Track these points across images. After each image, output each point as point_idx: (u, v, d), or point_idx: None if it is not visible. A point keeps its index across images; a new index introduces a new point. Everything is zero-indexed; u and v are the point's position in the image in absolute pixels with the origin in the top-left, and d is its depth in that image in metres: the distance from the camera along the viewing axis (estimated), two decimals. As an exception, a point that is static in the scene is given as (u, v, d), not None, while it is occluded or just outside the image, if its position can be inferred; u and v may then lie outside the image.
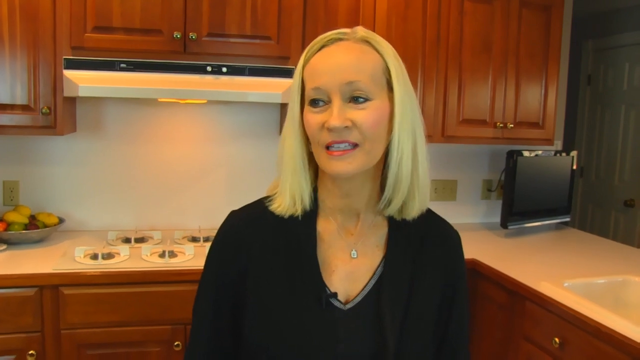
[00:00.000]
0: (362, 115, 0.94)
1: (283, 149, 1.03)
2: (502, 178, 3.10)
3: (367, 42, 0.98)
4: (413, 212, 1.04)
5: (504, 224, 2.95)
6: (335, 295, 1.00)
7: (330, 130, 0.93)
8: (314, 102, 0.96)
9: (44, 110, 2.27)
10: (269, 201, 1.06)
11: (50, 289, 2.09)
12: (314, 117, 0.96)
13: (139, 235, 2.60)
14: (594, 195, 4.44)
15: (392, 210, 1.03)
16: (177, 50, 2.37)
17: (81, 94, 2.19)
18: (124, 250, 2.33)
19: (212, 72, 2.37)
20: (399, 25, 2.67)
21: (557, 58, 2.97)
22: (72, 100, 2.54)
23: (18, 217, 2.43)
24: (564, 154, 3.19)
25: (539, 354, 2.08)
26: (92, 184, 2.73)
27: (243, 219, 1.08)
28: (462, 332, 1.11)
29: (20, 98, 2.26)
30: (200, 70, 2.35)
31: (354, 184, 1.01)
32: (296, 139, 1.01)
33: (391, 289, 1.01)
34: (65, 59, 2.23)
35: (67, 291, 2.10)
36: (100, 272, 2.14)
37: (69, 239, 2.56)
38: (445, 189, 3.25)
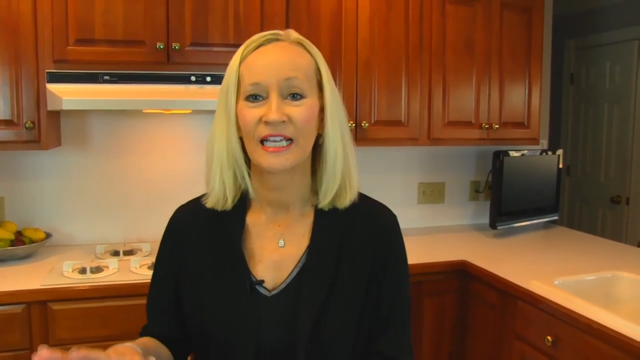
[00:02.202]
0: (298, 111, 1.01)
1: (213, 145, 1.07)
2: (490, 179, 3.11)
3: (300, 44, 1.06)
4: (345, 201, 1.10)
5: (492, 225, 2.95)
6: (260, 282, 1.06)
7: (267, 123, 0.99)
8: (253, 97, 1.01)
9: (27, 125, 2.25)
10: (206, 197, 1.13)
11: (38, 305, 2.07)
12: (250, 112, 1.01)
13: (127, 248, 2.58)
14: (581, 192, 4.47)
15: (326, 202, 1.08)
16: (160, 61, 2.36)
17: (65, 107, 2.17)
18: (112, 263, 2.30)
19: (197, 82, 2.36)
20: (382, 30, 2.68)
21: (539, 58, 3.00)
22: (56, 114, 2.52)
23: (4, 234, 2.39)
24: (549, 153, 3.21)
25: (532, 353, 2.09)
26: (78, 197, 2.71)
27: (183, 211, 1.19)
28: (396, 315, 1.11)
29: (2, 113, 2.24)
30: (184, 80, 2.35)
31: (284, 178, 1.07)
32: (231, 135, 1.05)
33: (312, 276, 1.05)
34: (47, 72, 2.22)
35: (55, 307, 2.08)
36: (89, 286, 2.12)
37: (57, 253, 2.53)
38: (433, 192, 3.26)
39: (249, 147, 1.04)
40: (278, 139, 0.99)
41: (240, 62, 1.04)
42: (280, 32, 1.06)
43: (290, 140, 1.00)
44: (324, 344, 1.02)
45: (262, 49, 1.04)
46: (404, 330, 1.12)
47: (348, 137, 1.09)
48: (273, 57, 1.02)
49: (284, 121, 0.99)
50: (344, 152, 1.07)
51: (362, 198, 1.14)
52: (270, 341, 1.03)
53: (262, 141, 1.00)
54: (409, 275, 1.16)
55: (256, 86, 1.00)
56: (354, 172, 1.10)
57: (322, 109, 1.06)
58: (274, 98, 0.99)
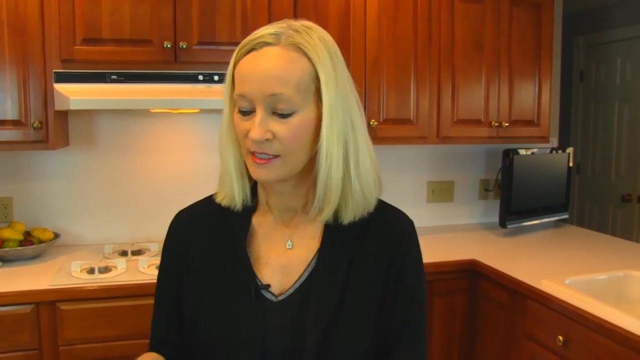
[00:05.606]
0: (284, 129, 0.93)
1: (220, 148, 1.04)
2: (499, 177, 3.09)
3: (297, 47, 0.94)
4: (346, 219, 1.01)
5: (502, 224, 2.93)
6: (266, 287, 1.00)
7: (252, 140, 0.94)
8: (243, 107, 0.95)
9: (35, 125, 2.25)
10: (216, 195, 1.09)
11: (47, 305, 2.07)
12: (240, 124, 0.96)
13: (135, 248, 2.58)
14: (591, 191, 4.44)
15: (325, 217, 1.00)
16: (168, 60, 2.36)
17: (72, 107, 2.17)
18: (120, 263, 2.30)
19: (204, 81, 2.35)
20: (390, 28, 2.66)
21: (549, 55, 2.97)
22: (63, 114, 2.53)
23: (12, 234, 2.40)
24: (559, 151, 3.19)
25: (543, 352, 2.07)
26: (86, 197, 2.71)
27: (185, 215, 1.14)
28: (411, 326, 1.03)
29: (10, 113, 2.24)
30: (191, 79, 2.34)
31: (287, 185, 1.02)
32: (229, 140, 1.01)
33: (322, 281, 1.00)
34: (55, 72, 2.22)
35: (64, 307, 2.08)
36: (97, 286, 2.12)
37: (65, 254, 2.53)
38: (442, 190, 3.24)
39: (243, 155, 0.99)
40: (264, 155, 0.94)
41: (235, 65, 0.97)
42: (280, 30, 0.95)
43: (276, 155, 0.94)
44: (334, 355, 0.95)
45: (252, 55, 0.94)
46: (419, 345, 1.04)
47: (354, 147, 0.98)
48: (260, 68, 0.92)
49: (268, 139, 0.93)
50: (344, 166, 0.97)
51: (379, 202, 1.07)
52: (275, 350, 0.97)
53: (253, 152, 0.95)
54: (425, 284, 1.08)
55: (242, 98, 0.94)
56: (360, 188, 1.00)
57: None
58: (258, 113, 0.93)
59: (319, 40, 0.96)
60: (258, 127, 0.92)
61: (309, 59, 0.94)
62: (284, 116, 0.93)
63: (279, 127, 0.93)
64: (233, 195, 1.04)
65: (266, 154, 0.94)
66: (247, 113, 0.95)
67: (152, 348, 1.13)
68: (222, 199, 1.06)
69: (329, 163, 0.96)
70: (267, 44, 0.94)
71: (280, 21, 0.98)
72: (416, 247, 1.08)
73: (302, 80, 0.93)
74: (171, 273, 1.10)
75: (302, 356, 0.95)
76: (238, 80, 0.95)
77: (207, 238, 1.07)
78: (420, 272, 1.08)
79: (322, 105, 0.95)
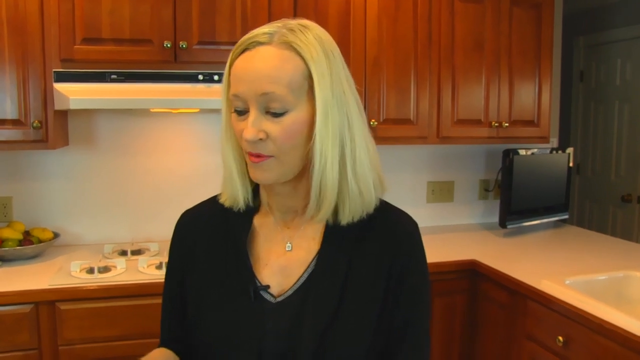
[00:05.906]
0: (277, 129, 0.93)
1: (221, 149, 1.04)
2: (499, 177, 3.09)
3: (290, 46, 0.93)
4: (344, 219, 1.00)
5: (502, 224, 2.93)
6: (265, 288, 1.01)
7: (245, 140, 0.94)
8: (238, 107, 0.95)
9: (35, 125, 2.25)
10: (220, 196, 1.10)
11: (46, 305, 2.07)
12: (237, 124, 0.97)
13: (135, 248, 2.58)
14: (591, 191, 4.43)
15: (322, 217, 0.99)
16: (167, 60, 2.35)
17: (72, 106, 2.16)
18: (120, 263, 2.30)
19: (204, 81, 2.35)
20: (390, 27, 2.66)
21: (549, 55, 2.97)
22: (63, 114, 2.52)
23: (12, 233, 2.40)
24: (559, 152, 3.18)
25: (543, 353, 2.07)
26: (86, 197, 2.71)
27: (190, 215, 1.15)
28: (413, 329, 1.02)
29: (10, 113, 2.24)
30: (191, 79, 2.34)
31: (286, 186, 1.02)
32: (228, 141, 1.02)
33: (322, 283, 0.99)
34: (55, 71, 2.22)
35: (63, 307, 2.08)
36: (97, 286, 2.11)
37: (65, 253, 2.53)
38: (442, 190, 3.24)
39: (244, 155, 1.00)
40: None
41: (230, 66, 0.97)
42: (275, 29, 0.94)
43: (269, 156, 0.94)
44: (333, 356, 0.95)
45: (246, 54, 0.94)
46: (422, 347, 1.03)
47: (351, 147, 0.97)
48: (252, 67, 0.92)
49: (261, 139, 0.93)
50: (340, 165, 0.96)
51: (381, 203, 1.06)
52: (274, 351, 0.97)
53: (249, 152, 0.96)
54: (430, 287, 1.06)
55: (236, 98, 0.94)
56: (357, 188, 0.98)
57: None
58: (252, 113, 0.93)
59: (314, 38, 0.95)
60: (251, 127, 0.92)
61: (301, 57, 0.93)
62: (276, 115, 0.93)
63: (272, 126, 0.93)
64: (235, 196, 1.05)
65: (259, 154, 0.94)
66: (242, 113, 0.95)
67: (162, 345, 1.15)
68: (225, 200, 1.07)
69: (323, 162, 0.94)
70: (260, 43, 0.94)
71: (277, 21, 0.97)
72: (419, 247, 1.07)
73: (295, 79, 0.92)
74: (176, 272, 1.12)
75: (300, 357, 0.95)
76: (233, 80, 0.95)
77: (211, 238, 1.08)
78: (424, 272, 1.07)
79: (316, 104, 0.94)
